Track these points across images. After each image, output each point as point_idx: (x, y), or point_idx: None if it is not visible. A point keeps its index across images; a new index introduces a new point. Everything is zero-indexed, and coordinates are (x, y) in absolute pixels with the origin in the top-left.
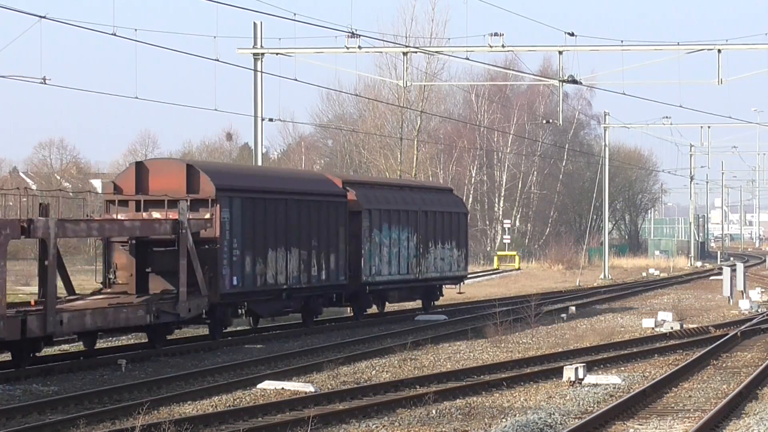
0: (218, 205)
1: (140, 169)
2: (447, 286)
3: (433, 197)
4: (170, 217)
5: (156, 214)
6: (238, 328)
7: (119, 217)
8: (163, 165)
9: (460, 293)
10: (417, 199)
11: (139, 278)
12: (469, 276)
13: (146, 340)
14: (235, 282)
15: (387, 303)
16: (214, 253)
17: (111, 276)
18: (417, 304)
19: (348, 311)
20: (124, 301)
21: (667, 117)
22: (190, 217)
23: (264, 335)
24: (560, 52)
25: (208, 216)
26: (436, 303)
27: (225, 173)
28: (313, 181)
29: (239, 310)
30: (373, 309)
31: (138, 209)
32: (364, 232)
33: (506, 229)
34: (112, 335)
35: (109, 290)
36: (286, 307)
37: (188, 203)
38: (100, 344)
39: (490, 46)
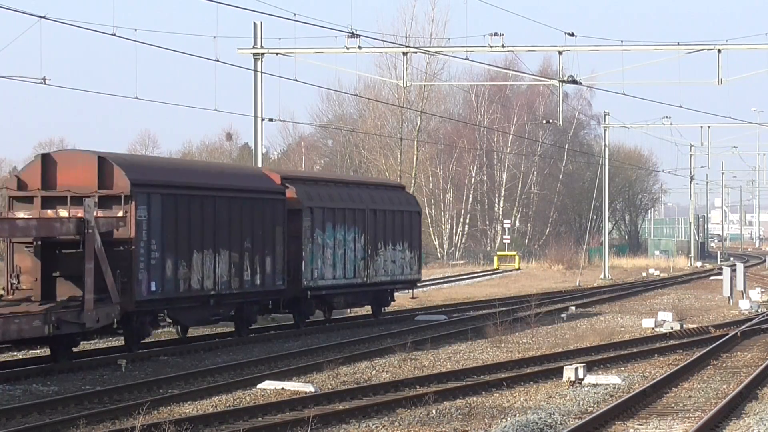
0: (133, 202)
1: (47, 162)
2: (399, 290)
3: (383, 195)
4: (78, 215)
5: (64, 212)
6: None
7: (22, 215)
8: (72, 157)
9: (413, 298)
10: (365, 196)
11: (45, 283)
12: (468, 276)
13: (148, 340)
14: (153, 287)
15: (333, 309)
16: (129, 256)
17: (14, 281)
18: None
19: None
20: (20, 309)
21: (667, 117)
22: (99, 214)
23: (264, 335)
24: (560, 53)
25: (121, 214)
26: (387, 309)
27: (142, 166)
28: (247, 176)
29: (161, 319)
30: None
31: (44, 206)
32: (305, 232)
33: (506, 229)
34: (11, 348)
35: (10, 297)
36: (214, 315)
37: (97, 200)
38: (101, 344)
39: (490, 46)
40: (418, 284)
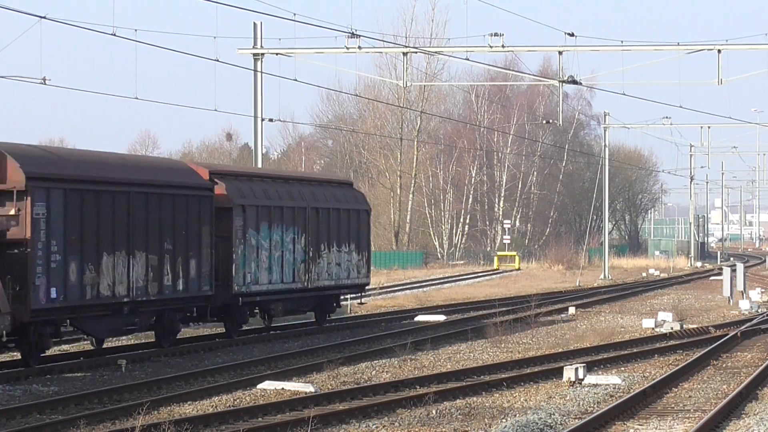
0: (29, 198)
1: None
2: (346, 295)
3: (327, 192)
4: None
5: None
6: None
7: None
8: None
9: (361, 304)
10: (306, 193)
11: None
12: (468, 276)
13: (147, 340)
14: (53, 295)
15: (272, 317)
16: (24, 259)
17: None
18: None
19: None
20: None
21: (667, 117)
22: None
23: (264, 335)
24: (560, 53)
25: (13, 212)
26: (332, 316)
27: (42, 158)
28: (168, 170)
29: (65, 330)
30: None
31: None
32: (236, 232)
33: (506, 229)
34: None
35: None
36: (129, 325)
37: None
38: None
39: (490, 47)
40: (367, 288)
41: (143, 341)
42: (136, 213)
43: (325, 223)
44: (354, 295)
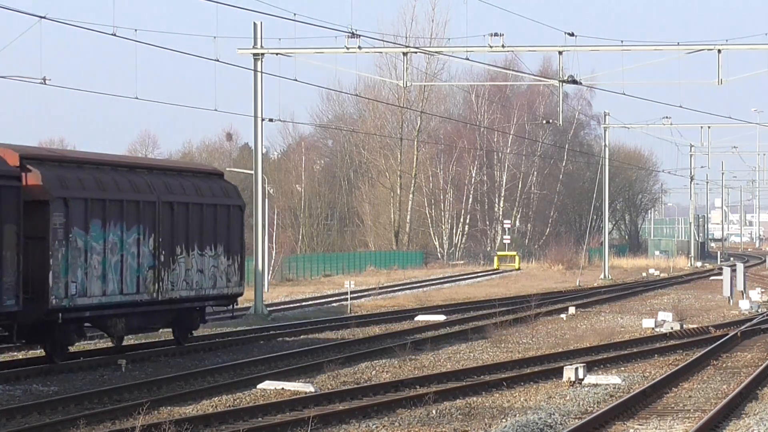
0: None
1: None
2: (214, 307)
3: (187, 183)
4: None
5: None
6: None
7: None
8: None
9: (233, 318)
10: (158, 184)
11: None
12: (468, 276)
13: (147, 340)
14: None
15: (111, 335)
16: None
17: None
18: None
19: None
20: None
21: (667, 117)
22: None
23: (264, 335)
24: (560, 53)
25: None
26: (195, 333)
27: None
28: None
29: None
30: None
31: None
32: (54, 232)
33: (506, 229)
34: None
35: None
36: None
37: None
38: (102, 344)
39: (490, 47)
40: (239, 299)
41: (143, 341)
42: None
43: (183, 220)
44: (223, 308)
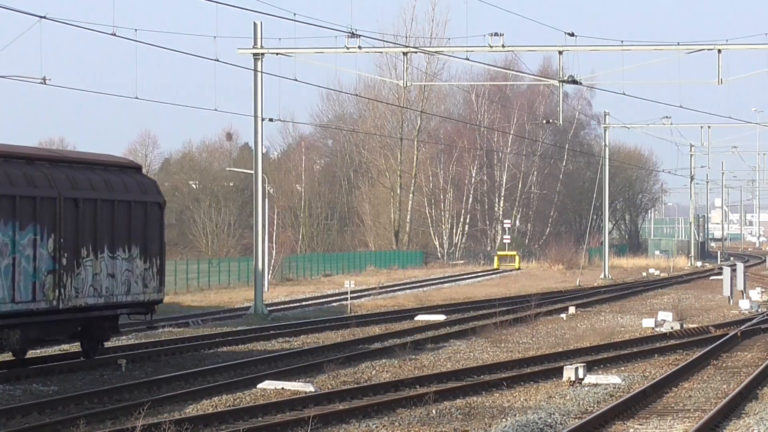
0: None
1: None
2: (130, 316)
3: (95, 177)
4: None
5: None
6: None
7: None
8: None
9: (150, 328)
10: (60, 178)
11: None
12: (468, 276)
13: (148, 340)
14: None
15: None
16: None
17: None
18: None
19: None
20: None
21: (667, 117)
22: None
23: (264, 335)
24: (560, 52)
25: None
26: (107, 345)
27: None
28: None
29: None
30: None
31: None
32: None
33: (506, 229)
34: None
35: None
36: None
37: None
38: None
39: (490, 46)
40: (159, 306)
41: (143, 341)
42: None
43: (90, 219)
44: (141, 316)
